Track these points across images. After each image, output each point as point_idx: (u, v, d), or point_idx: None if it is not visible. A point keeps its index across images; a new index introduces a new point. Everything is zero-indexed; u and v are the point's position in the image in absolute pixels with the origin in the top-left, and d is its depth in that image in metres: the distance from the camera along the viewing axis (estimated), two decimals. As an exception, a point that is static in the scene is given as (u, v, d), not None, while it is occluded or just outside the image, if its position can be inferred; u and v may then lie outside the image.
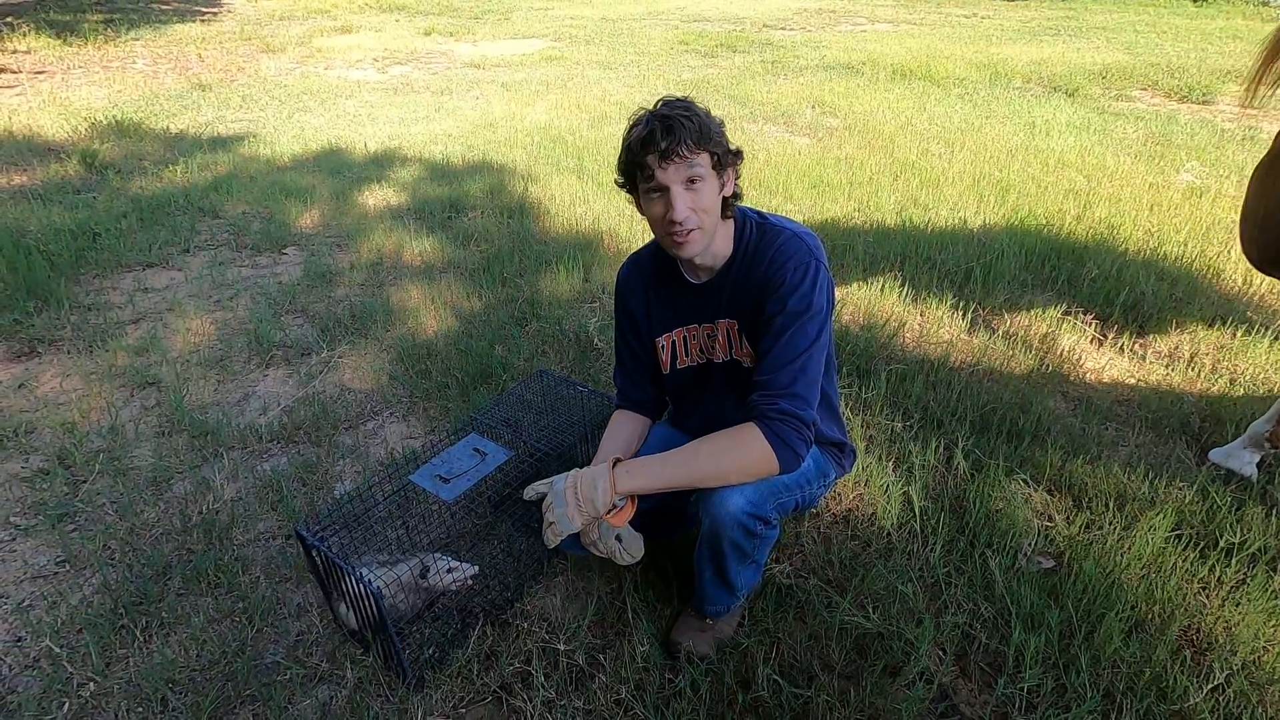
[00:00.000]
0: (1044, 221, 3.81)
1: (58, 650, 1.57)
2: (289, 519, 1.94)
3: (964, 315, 2.86)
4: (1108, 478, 1.97)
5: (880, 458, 2.07)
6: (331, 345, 2.81)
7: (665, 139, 1.23)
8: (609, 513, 1.32)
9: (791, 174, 4.56)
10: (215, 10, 13.65)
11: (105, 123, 5.79)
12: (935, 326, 2.82)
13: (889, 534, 1.84)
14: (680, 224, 1.27)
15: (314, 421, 2.34)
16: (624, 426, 1.61)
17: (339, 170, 4.88)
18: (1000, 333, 2.75)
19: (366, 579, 1.38)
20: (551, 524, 1.32)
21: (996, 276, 3.17)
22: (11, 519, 1.98)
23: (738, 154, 1.35)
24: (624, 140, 1.30)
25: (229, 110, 6.59)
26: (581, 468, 1.38)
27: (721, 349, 1.47)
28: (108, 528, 1.93)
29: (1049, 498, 1.95)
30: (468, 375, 2.52)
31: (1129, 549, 1.74)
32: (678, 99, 1.29)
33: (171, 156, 5.08)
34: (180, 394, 2.47)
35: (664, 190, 1.27)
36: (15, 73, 7.88)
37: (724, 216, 1.37)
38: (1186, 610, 1.58)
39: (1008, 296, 3.02)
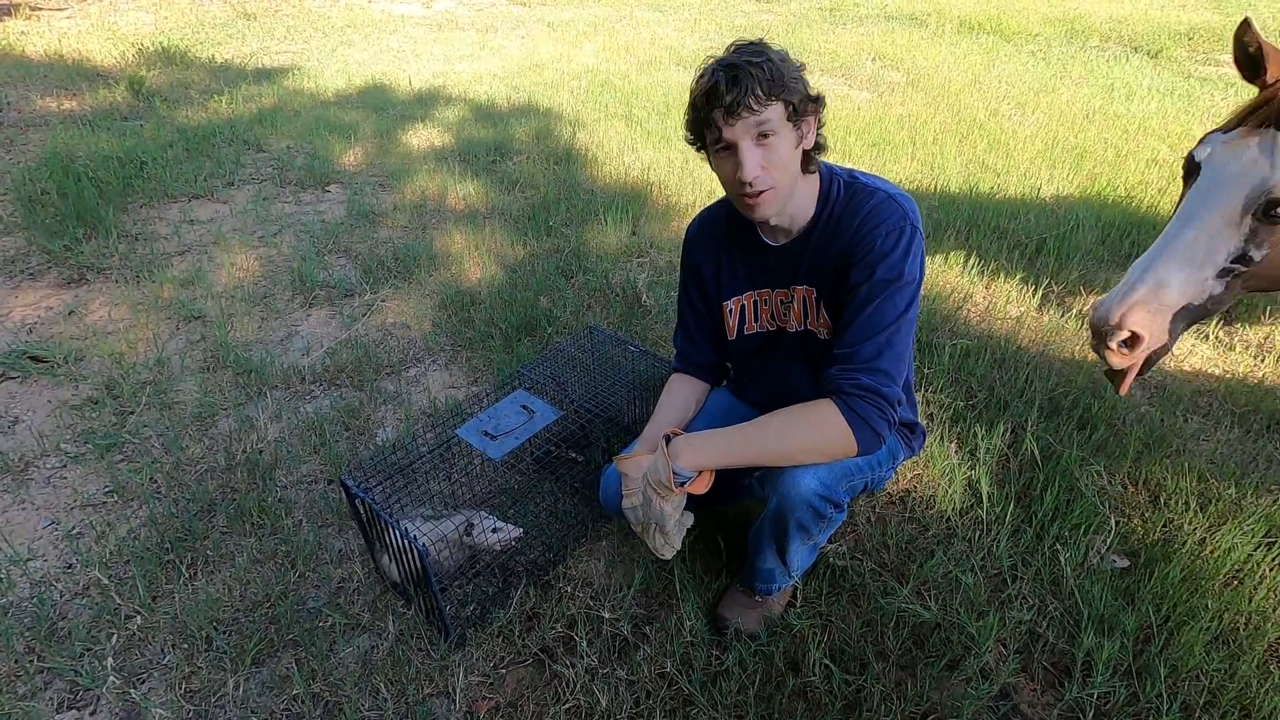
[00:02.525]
0: (1124, 193, 3.56)
1: (106, 581, 1.58)
2: (332, 463, 1.92)
3: (1034, 291, 2.70)
4: (1189, 475, 1.84)
5: (942, 438, 1.96)
6: (374, 288, 2.76)
7: (731, 91, 1.10)
8: (681, 485, 1.23)
9: (850, 131, 4.33)
10: (260, -64, 13.38)
11: (152, 49, 5.74)
12: (1003, 301, 2.66)
13: (949, 520, 1.75)
14: (751, 184, 1.15)
15: (356, 365, 2.31)
16: (680, 392, 1.52)
17: (382, 107, 4.77)
18: (1074, 311, 2.59)
19: (411, 534, 1.34)
20: (653, 528, 1.27)
21: (1071, 250, 2.97)
22: (62, 445, 2.00)
23: (818, 100, 1.20)
24: (690, 92, 1.18)
25: (273, 41, 6.49)
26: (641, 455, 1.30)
27: (796, 318, 1.36)
28: (154, 461, 1.93)
29: (1124, 492, 1.83)
30: (511, 326, 2.45)
31: (1212, 554, 1.62)
32: (750, 42, 1.16)
33: (217, 86, 5.01)
34: (225, 330, 2.46)
35: (732, 147, 1.15)
36: (64, -6, 7.83)
37: (805, 171, 1.24)
38: (1276, 624, 1.48)
39: (1082, 273, 2.84)
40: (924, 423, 2.01)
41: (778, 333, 1.41)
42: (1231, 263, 1.22)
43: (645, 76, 5.51)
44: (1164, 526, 1.72)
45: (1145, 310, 1.21)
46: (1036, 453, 1.90)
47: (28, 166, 3.59)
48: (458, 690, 1.38)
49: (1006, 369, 2.26)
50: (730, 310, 1.44)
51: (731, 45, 1.16)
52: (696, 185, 3.54)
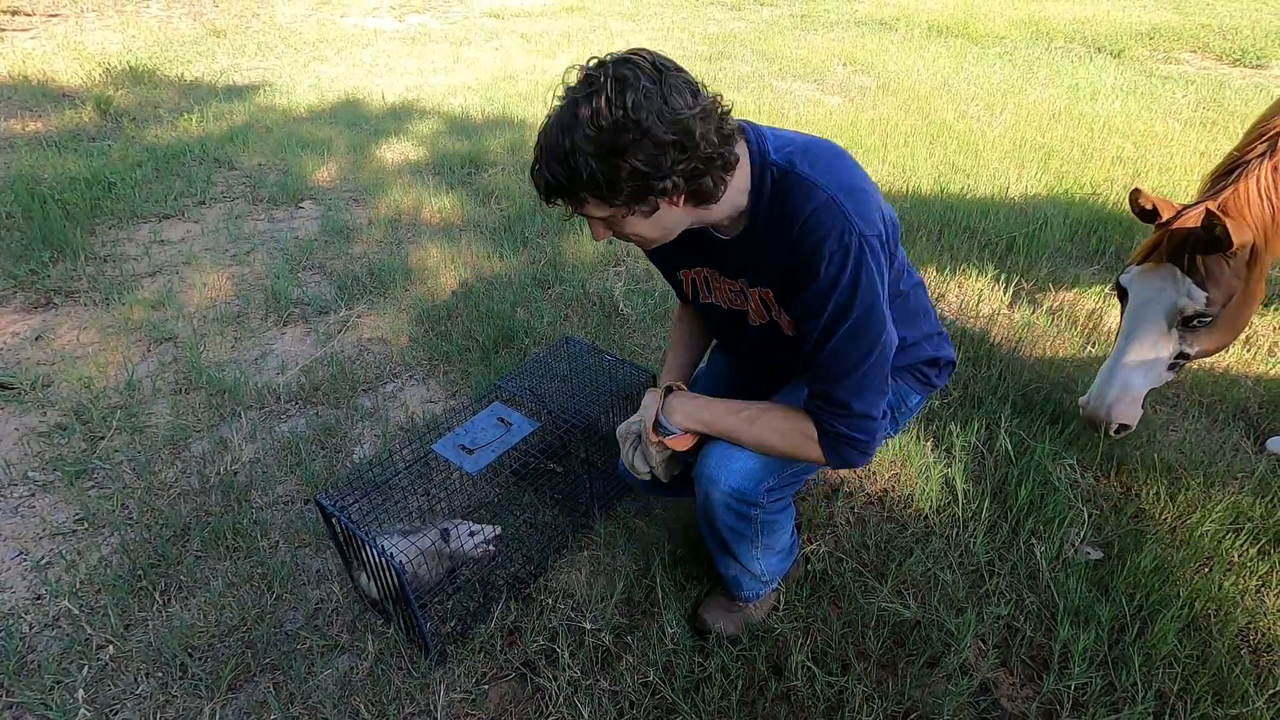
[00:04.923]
0: (1090, 190, 3.63)
1: (76, 611, 1.55)
2: (308, 483, 1.90)
3: (1005, 288, 2.74)
4: (1159, 465, 1.87)
5: (918, 437, 1.98)
6: (349, 304, 2.74)
7: (547, 192, 1.03)
8: (668, 436, 1.28)
9: (822, 135, 4.36)
10: (229, -47, 13.29)
11: (120, 69, 5.67)
12: (975, 299, 2.70)
13: (927, 518, 1.76)
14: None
15: (332, 382, 2.29)
16: (688, 323, 1.53)
17: (356, 122, 4.75)
18: (1044, 308, 2.63)
19: (388, 552, 1.33)
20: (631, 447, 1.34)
21: (1040, 248, 3.02)
22: (30, 474, 1.96)
23: (686, 151, 0.98)
24: None
25: (244, 58, 6.43)
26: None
27: (756, 314, 1.26)
28: (125, 486, 1.90)
29: (1096, 484, 1.86)
30: (489, 339, 2.45)
31: (1183, 542, 1.65)
32: (574, 119, 0.95)
33: (186, 105, 4.96)
34: (197, 351, 2.42)
35: None
36: (29, 15, 7.73)
37: (699, 205, 1.07)
38: (1245, 609, 1.50)
39: (1051, 270, 2.89)
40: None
41: (739, 317, 1.31)
42: (1175, 359, 1.61)
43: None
44: (1135, 517, 1.75)
45: (1124, 405, 1.61)
46: (1010, 449, 1.92)
47: (-8, 190, 3.53)
48: (439, 708, 1.37)
49: (980, 366, 2.30)
50: (684, 279, 1.35)
51: (580, 82, 0.98)
52: (671, 193, 3.56)
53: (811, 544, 1.69)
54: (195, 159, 4.06)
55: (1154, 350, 1.60)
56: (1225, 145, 4.33)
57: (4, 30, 7.02)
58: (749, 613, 1.51)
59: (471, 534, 1.56)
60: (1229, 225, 1.45)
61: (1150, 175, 3.81)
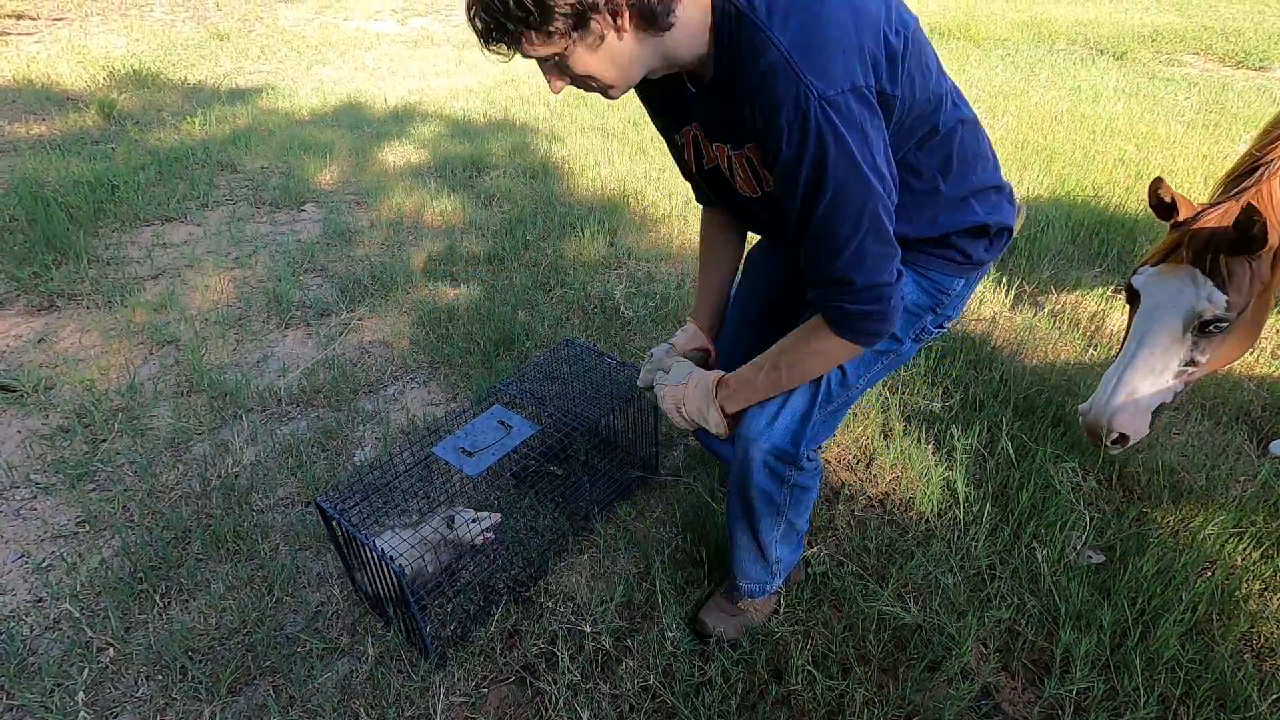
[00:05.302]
0: (1092, 193, 3.62)
1: (77, 614, 1.55)
2: (309, 486, 1.90)
3: (1007, 291, 2.73)
4: (1161, 467, 1.87)
5: (919, 440, 1.98)
6: (351, 306, 2.74)
7: (484, 36, 0.93)
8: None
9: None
10: (233, -43, 13.34)
11: (123, 72, 5.69)
12: (976, 302, 2.69)
13: (928, 521, 1.76)
14: (582, 90, 1.03)
15: (334, 385, 2.29)
16: (715, 238, 1.45)
17: (358, 125, 4.76)
18: (1046, 310, 2.62)
19: (389, 555, 1.33)
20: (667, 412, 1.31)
21: (1042, 250, 3.02)
22: (32, 476, 1.96)
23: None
24: None
25: (247, 61, 6.46)
26: (681, 371, 1.31)
27: (744, 184, 1.14)
28: (127, 489, 1.90)
29: (1098, 487, 1.86)
30: (490, 341, 2.45)
31: (1185, 546, 1.65)
32: None
33: (190, 108, 4.98)
34: (199, 353, 2.43)
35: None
36: (34, 19, 7.77)
37: (652, 32, 0.96)
38: (1248, 614, 1.50)
39: (1054, 272, 2.88)
40: (899, 425, 2.03)
41: (733, 189, 1.19)
42: (1184, 366, 1.51)
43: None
44: (1137, 520, 1.74)
45: (1126, 414, 1.49)
46: (1012, 452, 1.92)
47: (-4, 193, 3.54)
48: (439, 711, 1.37)
49: (981, 369, 2.29)
50: (683, 144, 1.23)
51: None
52: (673, 195, 3.56)
53: (812, 547, 1.68)
54: (198, 162, 4.07)
55: (1164, 356, 1.49)
56: (1229, 147, 4.33)
57: (9, 34, 7.05)
58: (749, 615, 1.50)
59: (475, 520, 1.57)
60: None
61: (1153, 177, 3.79)
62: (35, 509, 1.87)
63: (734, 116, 1.03)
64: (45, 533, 1.79)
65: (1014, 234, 1.28)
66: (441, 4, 9.43)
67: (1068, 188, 3.67)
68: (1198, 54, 7.24)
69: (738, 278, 1.54)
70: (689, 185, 1.41)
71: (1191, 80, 6.00)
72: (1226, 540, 1.66)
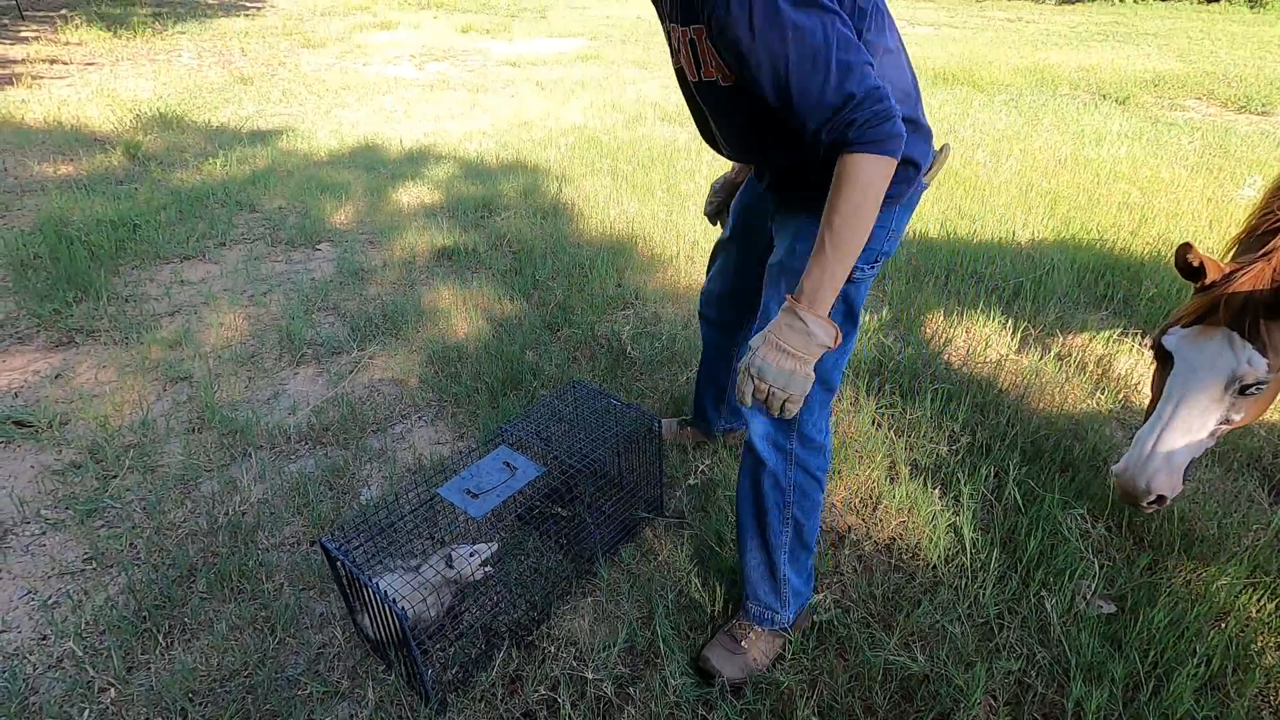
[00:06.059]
0: (1096, 236, 3.65)
1: (80, 653, 1.55)
2: (315, 524, 1.91)
3: (1013, 334, 2.74)
4: (1172, 515, 1.85)
5: (925, 484, 1.97)
6: (362, 344, 2.78)
7: None
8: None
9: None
10: (259, 5, 13.88)
11: (150, 115, 5.88)
12: (982, 345, 2.70)
13: (935, 567, 1.74)
14: None
15: (342, 423, 2.31)
16: None
17: (374, 166, 4.88)
18: (1052, 353, 2.62)
19: (391, 597, 1.33)
20: (788, 397, 1.15)
21: (1047, 293, 3.03)
22: (42, 512, 1.98)
23: None
24: None
25: (269, 104, 6.66)
26: (761, 334, 1.18)
27: (689, 67, 1.18)
28: (135, 526, 1.92)
29: (1108, 535, 1.83)
30: (497, 381, 2.47)
31: (1198, 596, 1.62)
32: None
33: (212, 149, 5.13)
34: (211, 390, 2.46)
35: None
36: (67, 64, 8.06)
37: None
38: (1264, 668, 1.46)
39: (1059, 315, 2.89)
40: (905, 469, 2.02)
41: (686, 78, 1.24)
42: (1219, 425, 1.50)
43: (630, 131, 5.67)
44: (1148, 569, 1.72)
45: (1163, 475, 1.47)
46: (1019, 498, 1.90)
47: (21, 231, 3.64)
48: (438, 759, 1.35)
49: (988, 413, 2.29)
50: (668, 35, 1.26)
51: None
52: (680, 236, 3.61)
53: (818, 594, 1.67)
54: (218, 201, 4.18)
55: (1202, 415, 1.48)
56: (1233, 190, 4.36)
57: (42, 78, 7.32)
58: (753, 655, 1.49)
59: (473, 554, 1.57)
60: None
61: (1157, 221, 3.83)
62: (44, 545, 1.88)
63: None
64: (53, 569, 1.80)
65: (922, 171, 1.30)
66: (458, 50, 9.73)
67: (1072, 230, 3.70)
68: (1200, 99, 7.34)
69: (726, 242, 1.77)
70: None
71: (1194, 125, 6.07)
72: (1240, 591, 1.63)
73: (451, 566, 1.56)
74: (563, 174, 4.69)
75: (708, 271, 1.88)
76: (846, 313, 1.35)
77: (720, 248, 1.83)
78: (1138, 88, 7.49)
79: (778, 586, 1.49)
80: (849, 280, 1.23)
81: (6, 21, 10.67)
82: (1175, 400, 1.50)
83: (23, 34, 9.64)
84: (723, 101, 1.20)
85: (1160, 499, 1.50)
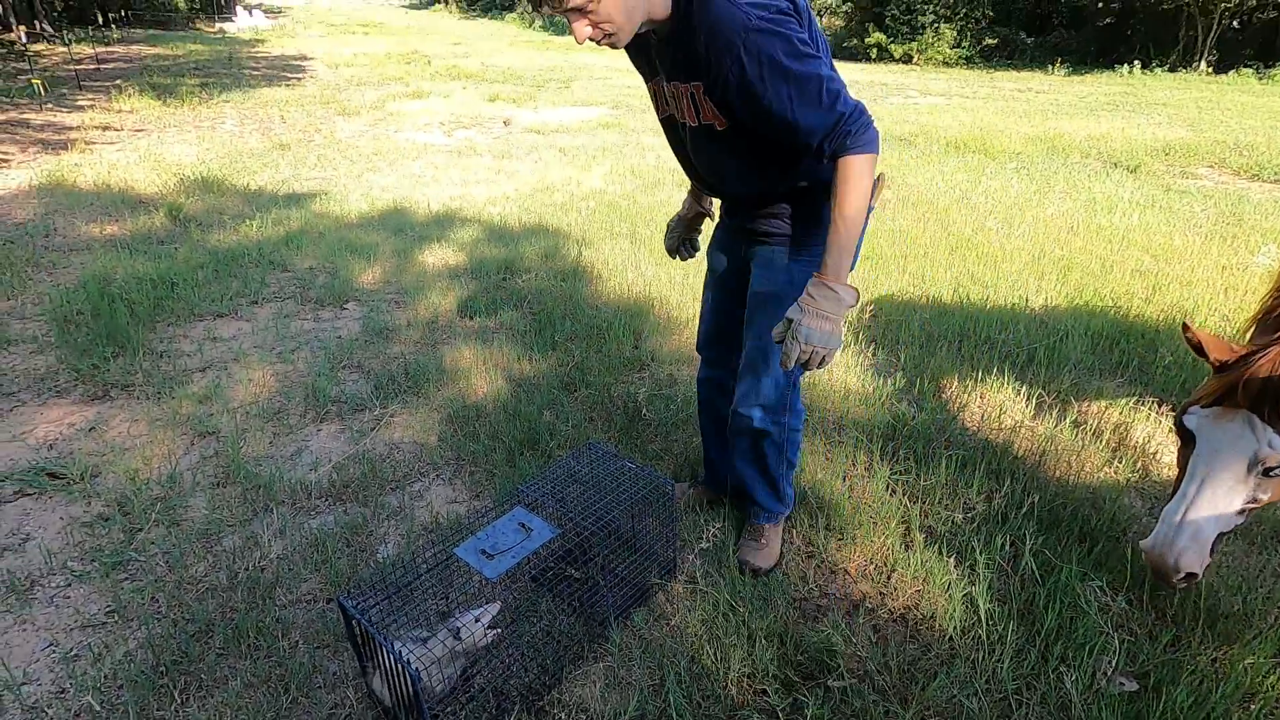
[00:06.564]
0: (1110, 303, 3.68)
1: (98, 707, 1.57)
2: (332, 582, 1.93)
3: (1028, 400, 2.75)
4: (1196, 590, 1.81)
5: (941, 552, 1.96)
6: (384, 402, 2.85)
7: None
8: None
9: (845, 245, 4.54)
10: (300, 76, 14.67)
11: (192, 178, 6.19)
12: (997, 411, 2.71)
13: (951, 639, 1.72)
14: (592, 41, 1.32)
15: (362, 480, 2.36)
16: None
17: (402, 229, 5.07)
18: (1068, 420, 2.62)
19: (405, 659, 1.35)
20: (827, 353, 1.42)
21: (1061, 360, 3.05)
22: (69, 564, 2.03)
23: None
24: None
25: (304, 169, 6.98)
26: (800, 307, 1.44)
27: (687, 114, 1.48)
28: (157, 580, 1.95)
29: (1129, 609, 1.80)
30: (515, 440, 2.52)
31: (1224, 674, 1.58)
32: None
33: (249, 211, 5.37)
34: (237, 445, 2.53)
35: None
36: (118, 130, 8.54)
37: None
38: (1295, 754, 1.42)
39: (1074, 381, 2.90)
40: (920, 536, 2.02)
41: (681, 124, 1.54)
42: (1246, 504, 1.53)
43: (649, 196, 5.86)
44: (1171, 646, 1.68)
45: (1192, 553, 1.51)
46: (1035, 568, 1.88)
47: (66, 288, 3.82)
48: (445, 828, 1.34)
49: (1003, 480, 2.28)
50: (652, 93, 1.59)
51: None
52: (696, 300, 3.69)
53: (832, 672, 1.65)
54: (252, 261, 4.36)
55: (1227, 498, 1.51)
56: (1247, 258, 4.39)
57: (95, 143, 7.75)
58: (772, 545, 1.98)
59: (478, 620, 1.58)
60: None
61: (1171, 288, 3.85)
62: (68, 596, 1.92)
63: (690, 56, 1.37)
64: (75, 621, 1.84)
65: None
66: (485, 117, 10.18)
67: (1085, 297, 3.74)
68: (1212, 167, 7.45)
69: (706, 290, 1.96)
70: None
71: (1207, 192, 6.15)
72: (1268, 671, 1.59)
73: (459, 640, 1.57)
74: (583, 238, 4.84)
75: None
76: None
77: (706, 287, 1.98)
78: (1149, 156, 7.62)
79: (779, 495, 1.95)
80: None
81: (65, 91, 11.37)
82: (1199, 479, 1.53)
83: (80, 103, 10.26)
84: (716, 141, 1.50)
85: (1190, 576, 1.51)
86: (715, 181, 1.66)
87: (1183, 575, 1.51)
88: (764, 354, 1.72)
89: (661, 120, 1.64)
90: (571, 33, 1.30)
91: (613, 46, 1.36)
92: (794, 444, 1.91)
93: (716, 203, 1.92)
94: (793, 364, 1.43)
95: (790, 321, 1.44)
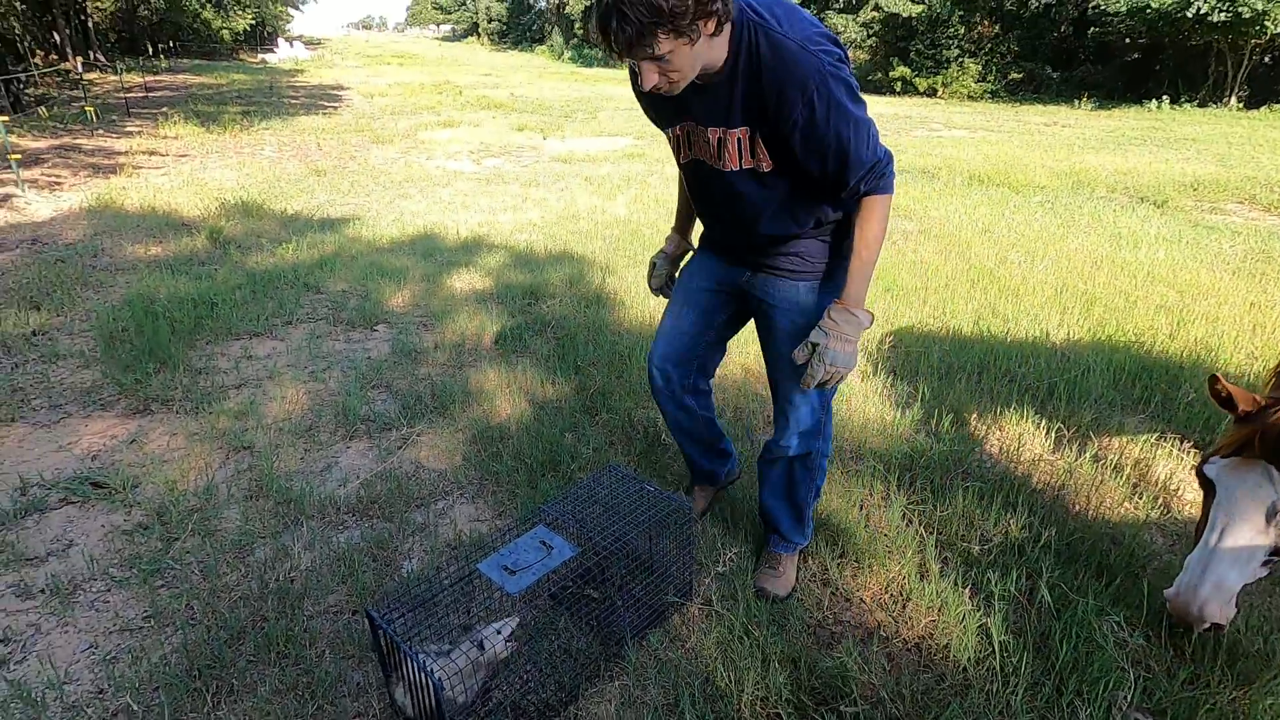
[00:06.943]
0: (1133, 338, 3.67)
1: (135, 707, 1.63)
2: (358, 594, 1.99)
3: (1047, 433, 2.75)
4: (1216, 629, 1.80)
5: (956, 583, 1.97)
6: (411, 422, 2.94)
7: (615, 36, 1.23)
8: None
9: (866, 276, 4.58)
10: (336, 105, 15.17)
11: (233, 202, 6.43)
12: (1015, 444, 2.71)
13: (966, 669, 1.73)
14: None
15: (389, 497, 2.43)
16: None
17: (431, 254, 5.22)
18: (1088, 455, 2.62)
19: (429, 668, 1.40)
20: (844, 374, 1.58)
21: (1082, 395, 3.05)
22: (110, 570, 2.11)
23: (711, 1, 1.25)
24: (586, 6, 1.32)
25: (339, 194, 7.21)
26: (821, 333, 1.57)
27: (732, 159, 1.51)
28: (192, 587, 2.03)
29: (1146, 645, 1.80)
30: (537, 461, 2.58)
31: (1244, 714, 1.57)
32: None
33: (286, 235, 5.56)
34: (270, 460, 2.62)
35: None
36: (163, 155, 8.91)
37: (716, 35, 1.34)
38: (1314, 795, 1.40)
39: (1095, 416, 2.89)
40: (936, 567, 2.03)
41: (716, 169, 1.57)
42: (1270, 555, 1.55)
43: (671, 225, 5.96)
44: (1189, 683, 1.67)
45: (1215, 604, 1.54)
46: (1051, 602, 1.89)
47: (112, 306, 3.99)
48: (462, 837, 1.37)
49: (1021, 513, 2.28)
50: (670, 139, 1.63)
51: None
52: (717, 327, 3.76)
53: (845, 698, 1.66)
54: (288, 283, 4.51)
55: (1250, 546, 1.53)
56: (1277, 296, 4.35)
57: (141, 168, 8.09)
58: (790, 574, 2.02)
59: (499, 632, 1.63)
60: None
61: (1196, 325, 3.83)
62: (108, 601, 2.00)
63: (751, 99, 1.41)
64: (115, 625, 1.91)
65: None
66: (513, 146, 10.44)
67: (1108, 332, 3.73)
68: (1242, 203, 7.38)
69: (681, 309, 1.97)
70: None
71: (1235, 229, 6.10)
72: (1289, 712, 1.58)
73: (483, 650, 1.61)
74: (606, 265, 4.94)
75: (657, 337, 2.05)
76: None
77: (682, 307, 1.98)
78: (1176, 191, 7.59)
79: (802, 526, 2.01)
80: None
81: (115, 118, 11.89)
82: (1220, 529, 1.55)
83: (128, 129, 10.72)
84: (757, 182, 1.55)
85: (1216, 626, 1.54)
86: (749, 223, 1.65)
87: (1207, 625, 1.53)
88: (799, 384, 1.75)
89: (683, 164, 1.67)
90: (639, 77, 1.34)
91: (669, 93, 1.40)
92: (822, 470, 1.97)
93: (696, 233, 2.00)
94: (814, 385, 1.57)
95: (815, 346, 1.56)
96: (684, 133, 1.58)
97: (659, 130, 1.70)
